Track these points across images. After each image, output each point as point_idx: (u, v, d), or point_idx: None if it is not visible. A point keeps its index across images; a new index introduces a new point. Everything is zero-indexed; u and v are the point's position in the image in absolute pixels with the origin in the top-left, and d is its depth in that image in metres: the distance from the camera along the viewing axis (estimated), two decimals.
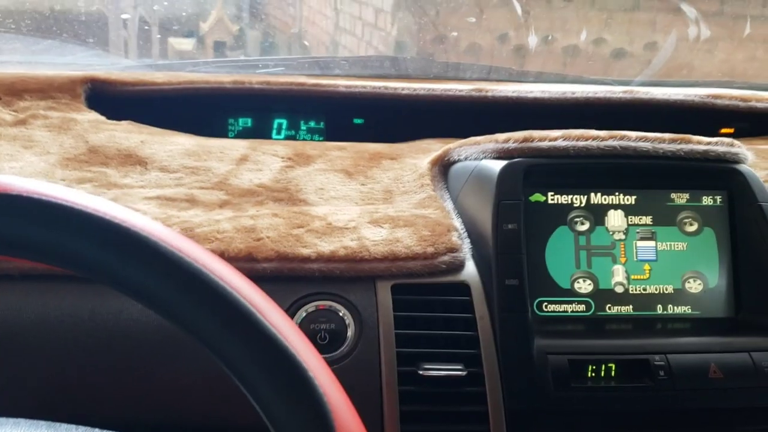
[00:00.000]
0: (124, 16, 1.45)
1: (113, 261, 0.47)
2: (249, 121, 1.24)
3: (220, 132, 1.21)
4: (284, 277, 0.81)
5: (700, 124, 1.22)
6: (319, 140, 1.23)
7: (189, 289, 0.47)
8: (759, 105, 1.24)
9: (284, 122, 1.25)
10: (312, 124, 1.25)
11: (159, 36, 1.65)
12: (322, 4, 2.93)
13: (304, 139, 1.23)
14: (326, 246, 0.82)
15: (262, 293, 0.49)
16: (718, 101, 1.24)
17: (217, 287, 0.47)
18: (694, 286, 0.86)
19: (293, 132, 1.25)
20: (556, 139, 0.86)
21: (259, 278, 0.80)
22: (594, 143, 0.86)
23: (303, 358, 0.47)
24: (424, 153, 1.07)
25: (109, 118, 1.09)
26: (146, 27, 1.59)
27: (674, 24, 1.46)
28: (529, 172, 0.85)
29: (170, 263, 0.47)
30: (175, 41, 1.76)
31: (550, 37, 1.47)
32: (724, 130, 1.28)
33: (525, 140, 0.87)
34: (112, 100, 1.15)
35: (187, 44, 1.82)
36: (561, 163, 0.86)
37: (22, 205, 0.45)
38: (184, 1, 1.72)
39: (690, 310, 0.86)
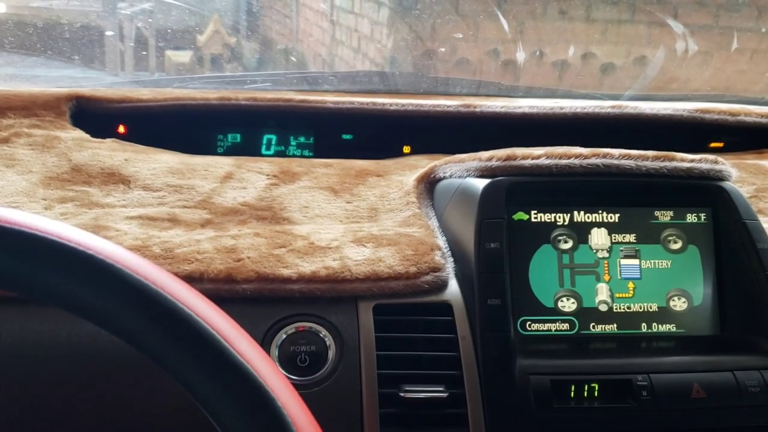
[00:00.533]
0: (119, 28, 1.45)
1: (72, 287, 0.46)
2: (238, 137, 1.24)
3: (208, 148, 1.20)
4: (264, 298, 0.80)
5: (689, 139, 1.22)
6: (308, 156, 1.22)
7: (151, 316, 0.47)
8: (748, 119, 1.24)
9: (273, 138, 1.25)
10: (302, 139, 1.25)
11: (155, 49, 1.64)
12: (319, 17, 2.94)
13: (293, 155, 1.23)
14: (307, 266, 0.82)
15: (229, 320, 0.49)
16: (707, 116, 1.24)
17: (180, 313, 0.47)
18: (679, 304, 0.86)
19: (282, 147, 1.24)
20: (539, 157, 0.86)
21: (238, 300, 0.80)
22: (577, 161, 0.85)
23: (271, 387, 0.46)
24: (411, 170, 1.07)
25: (94, 135, 1.09)
26: (141, 40, 1.59)
27: (663, 38, 1.46)
28: (512, 191, 0.84)
29: (132, 289, 0.46)
30: (171, 54, 1.75)
31: (538, 52, 1.46)
32: (713, 145, 1.27)
33: (508, 158, 0.86)
34: (97, 117, 1.15)
35: (183, 57, 1.82)
36: (544, 182, 0.85)
37: None
38: (180, 14, 1.72)
39: (675, 329, 0.85)
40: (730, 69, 1.50)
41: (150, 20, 1.69)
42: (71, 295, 0.47)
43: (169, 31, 1.68)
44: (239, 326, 0.49)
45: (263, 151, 1.24)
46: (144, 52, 1.58)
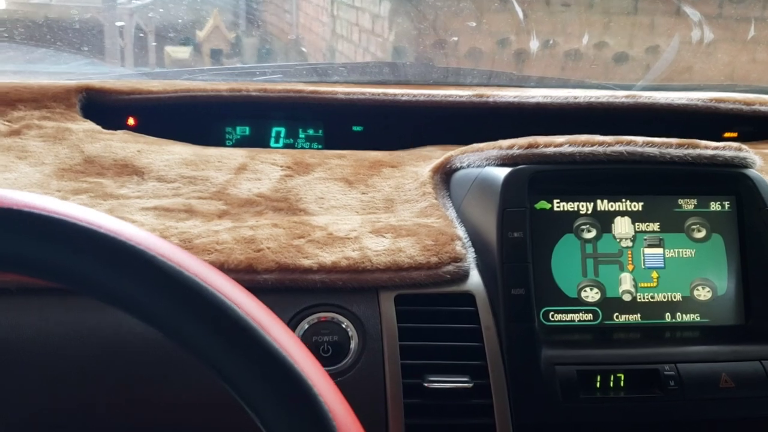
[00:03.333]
0: (119, 24, 1.44)
1: (109, 276, 0.45)
2: (246, 130, 1.23)
3: (217, 141, 1.19)
4: (285, 288, 0.79)
5: (703, 129, 1.21)
6: (317, 148, 1.21)
7: (188, 305, 0.45)
8: (763, 108, 1.23)
9: (282, 130, 1.23)
10: (310, 131, 1.24)
11: (155, 44, 1.63)
12: (319, 11, 2.92)
13: (302, 147, 1.21)
14: (328, 256, 0.81)
15: (264, 308, 0.48)
16: (722, 105, 1.23)
17: (218, 302, 0.46)
18: (703, 294, 0.85)
19: (291, 140, 1.23)
20: (561, 144, 0.85)
21: (259, 290, 0.78)
22: (600, 149, 0.84)
23: (308, 376, 0.45)
24: (425, 160, 1.06)
25: (104, 127, 1.08)
26: (141, 35, 1.58)
27: (675, 27, 1.45)
28: (534, 179, 0.83)
29: (168, 278, 0.45)
30: (171, 50, 1.74)
31: (551, 42, 1.45)
32: (727, 134, 1.26)
33: (530, 146, 0.85)
34: (107, 109, 1.13)
35: (183, 52, 1.80)
36: (567, 170, 0.84)
37: (15, 219, 0.44)
38: (180, 9, 1.70)
39: (699, 318, 0.84)
40: (739, 59, 1.49)
41: (150, 15, 1.68)
42: (106, 284, 0.45)
43: (169, 26, 1.67)
44: (274, 314, 0.48)
45: (272, 144, 1.22)
46: (154, 44, 1.57)
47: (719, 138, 1.25)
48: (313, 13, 2.96)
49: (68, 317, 0.75)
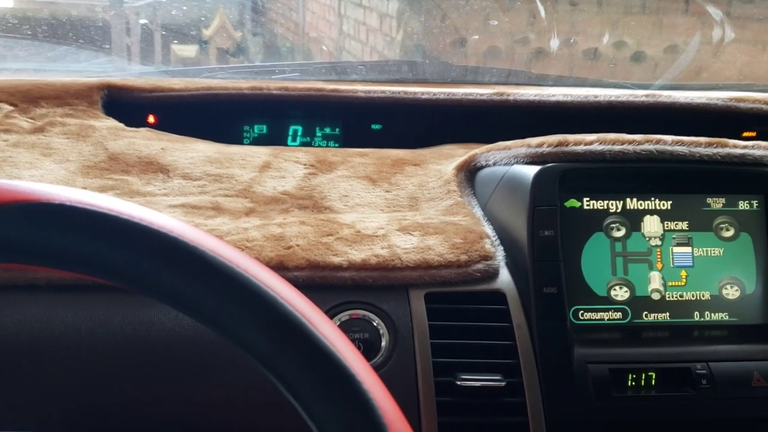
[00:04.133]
0: (142, 22, 1.43)
1: (162, 273, 0.45)
2: (264, 128, 1.23)
3: (235, 139, 1.19)
4: (316, 286, 0.79)
5: (722, 128, 1.21)
6: (335, 146, 1.21)
7: (240, 300, 0.45)
8: None
9: (299, 129, 1.23)
10: (327, 130, 1.24)
11: (162, 41, 1.63)
12: (326, 10, 2.92)
13: (319, 146, 1.21)
14: (357, 254, 0.81)
15: (312, 304, 0.48)
16: (741, 105, 1.23)
17: (268, 298, 0.45)
18: (731, 293, 0.85)
19: (308, 138, 1.23)
20: (591, 143, 0.85)
21: None
22: (630, 147, 0.84)
23: (357, 372, 0.45)
24: (447, 159, 1.06)
25: (125, 125, 1.08)
26: (162, 33, 1.58)
27: (692, 27, 1.45)
28: (564, 178, 0.83)
29: (219, 273, 0.45)
30: (177, 48, 1.74)
31: (572, 40, 1.45)
32: (746, 134, 1.26)
33: (560, 144, 0.85)
34: (128, 106, 1.13)
35: (189, 51, 1.80)
36: (597, 168, 0.84)
37: (61, 214, 0.43)
38: (191, 8, 1.70)
39: (727, 317, 0.84)
40: (758, 59, 1.49)
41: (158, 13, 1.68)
42: (153, 279, 0.45)
43: (180, 24, 1.67)
44: (321, 310, 0.48)
45: (289, 143, 1.22)
46: (175, 37, 1.56)
47: (738, 137, 1.25)
48: (320, 12, 2.96)
49: (97, 313, 0.75)
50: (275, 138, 1.22)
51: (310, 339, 0.45)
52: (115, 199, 0.46)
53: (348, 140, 1.21)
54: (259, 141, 1.21)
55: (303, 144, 1.22)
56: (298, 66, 1.36)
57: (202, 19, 1.70)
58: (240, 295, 0.45)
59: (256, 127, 1.23)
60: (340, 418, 0.44)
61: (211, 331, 0.46)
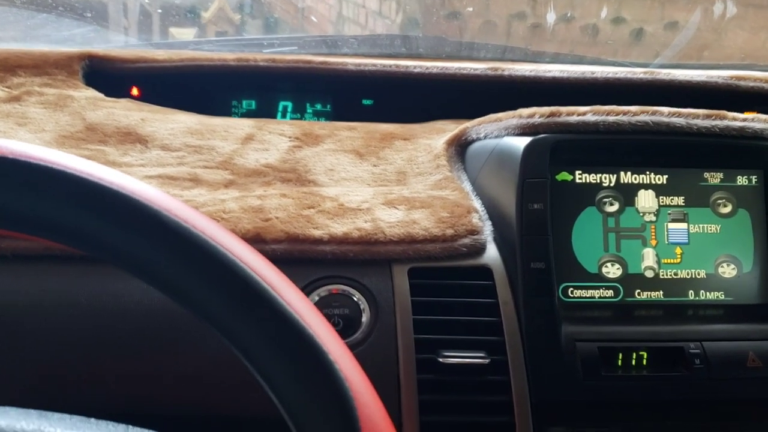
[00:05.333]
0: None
1: (114, 233, 0.42)
2: (253, 104, 1.19)
3: (223, 115, 1.15)
4: (294, 259, 0.76)
5: (722, 107, 1.17)
6: None
7: (196, 263, 0.42)
8: None
9: (289, 105, 1.20)
10: (318, 106, 1.20)
11: (159, 23, 1.59)
12: None
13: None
14: (339, 227, 0.78)
15: (277, 270, 0.45)
16: (742, 83, 1.19)
17: (229, 262, 0.42)
18: (728, 271, 0.81)
19: (299, 115, 1.20)
20: (584, 113, 0.81)
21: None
22: (625, 118, 0.80)
23: (323, 342, 0.42)
24: (438, 133, 1.02)
25: (107, 96, 1.04)
26: (159, 12, 1.54)
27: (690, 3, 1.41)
28: (556, 149, 0.80)
29: (174, 234, 0.42)
30: (175, 31, 1.70)
31: (569, 15, 1.41)
32: (747, 113, 1.22)
33: (552, 115, 0.82)
34: (110, 77, 1.10)
35: (187, 34, 1.77)
36: (590, 139, 0.81)
37: (10, 169, 0.40)
38: None
39: (723, 296, 0.81)
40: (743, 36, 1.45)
41: None
42: (108, 240, 0.42)
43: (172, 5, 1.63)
44: (286, 276, 0.45)
45: (278, 119, 1.19)
46: (173, 19, 1.53)
47: None
48: None
49: (64, 285, 0.72)
50: (265, 114, 1.18)
51: (271, 304, 0.42)
52: (58, 152, 0.42)
53: (339, 117, 1.18)
54: (248, 116, 1.17)
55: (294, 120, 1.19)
56: (288, 39, 1.33)
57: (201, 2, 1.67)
58: (195, 255, 0.42)
59: (244, 102, 1.19)
60: (302, 390, 0.41)
61: (167, 297, 0.43)
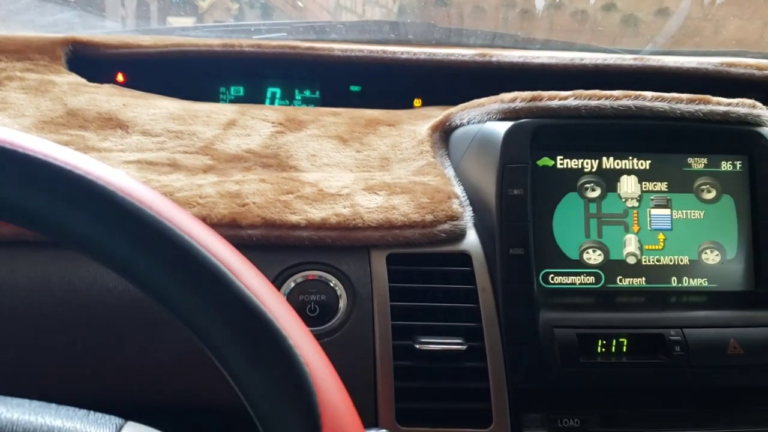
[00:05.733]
0: None
1: (63, 212, 0.41)
2: (241, 90, 1.18)
3: (211, 101, 1.14)
4: (271, 245, 0.75)
5: (713, 94, 1.16)
6: None
7: (151, 245, 0.41)
8: None
9: (278, 91, 1.19)
10: (307, 93, 1.19)
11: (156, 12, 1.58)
12: None
13: None
14: (317, 213, 0.77)
15: (238, 253, 0.44)
16: (733, 70, 1.18)
17: (185, 244, 0.41)
18: (711, 258, 0.81)
19: (287, 102, 1.19)
20: (566, 98, 0.80)
21: (243, 246, 0.74)
22: (607, 102, 0.79)
23: (283, 326, 0.41)
24: (423, 119, 1.01)
25: (92, 82, 1.03)
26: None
27: None
28: (537, 134, 0.79)
29: (127, 215, 0.41)
30: (174, 20, 1.69)
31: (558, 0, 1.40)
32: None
33: (533, 99, 0.81)
34: (94, 63, 1.09)
35: (186, 24, 1.75)
36: (571, 124, 0.80)
37: None
38: None
39: (706, 283, 0.80)
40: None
41: None
42: (55, 218, 0.41)
43: None
44: (246, 258, 0.44)
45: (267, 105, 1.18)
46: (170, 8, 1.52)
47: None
48: None
49: (36, 270, 0.72)
50: (253, 101, 1.18)
51: (229, 287, 0.41)
52: (7, 130, 0.41)
53: (328, 103, 1.17)
54: (236, 103, 1.16)
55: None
56: (276, 25, 1.32)
57: None
58: (148, 237, 0.41)
59: (232, 88, 1.18)
60: (261, 376, 0.40)
61: (126, 280, 0.42)
